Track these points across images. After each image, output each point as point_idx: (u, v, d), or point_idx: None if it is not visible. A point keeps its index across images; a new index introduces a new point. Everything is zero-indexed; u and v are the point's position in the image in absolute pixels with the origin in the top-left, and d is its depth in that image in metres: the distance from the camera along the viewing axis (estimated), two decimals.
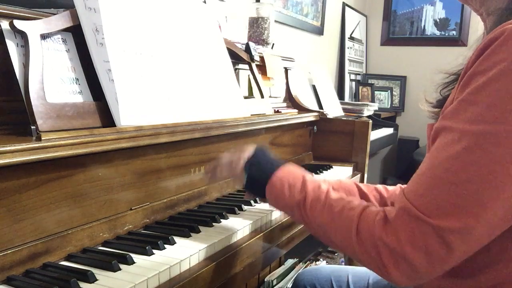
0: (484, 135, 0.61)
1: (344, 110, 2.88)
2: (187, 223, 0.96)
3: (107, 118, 0.91)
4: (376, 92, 3.98)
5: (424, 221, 0.63)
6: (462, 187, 0.61)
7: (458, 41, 3.85)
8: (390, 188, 1.08)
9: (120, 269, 0.73)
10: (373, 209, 0.72)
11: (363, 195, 1.05)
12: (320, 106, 2.55)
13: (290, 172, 0.86)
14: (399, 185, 1.08)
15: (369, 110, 3.01)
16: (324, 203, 0.78)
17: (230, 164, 0.94)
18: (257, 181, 0.88)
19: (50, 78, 0.85)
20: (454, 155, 0.63)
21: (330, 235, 0.75)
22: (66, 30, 0.90)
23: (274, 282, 1.76)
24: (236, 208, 1.08)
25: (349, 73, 3.83)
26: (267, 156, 0.92)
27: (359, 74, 4.09)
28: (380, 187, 1.08)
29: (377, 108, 3.26)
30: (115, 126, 0.90)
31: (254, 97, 1.53)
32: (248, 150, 0.93)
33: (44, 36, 0.85)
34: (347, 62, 3.77)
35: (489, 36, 0.63)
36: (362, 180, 1.82)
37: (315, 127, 1.85)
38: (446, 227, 0.61)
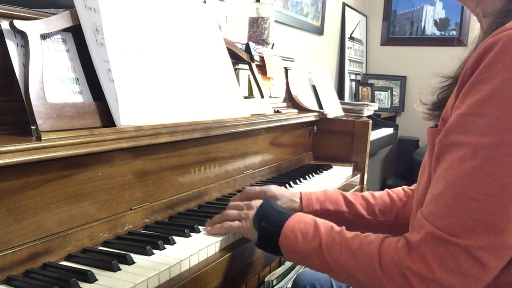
0: (498, 146, 0.60)
1: (344, 110, 2.88)
2: (187, 223, 0.96)
3: (107, 118, 0.91)
4: (376, 92, 3.98)
5: (452, 243, 0.61)
6: (484, 202, 0.60)
7: (458, 41, 3.85)
8: (377, 194, 1.06)
9: (120, 269, 0.73)
10: (393, 239, 0.70)
11: (349, 204, 1.04)
12: (320, 106, 2.55)
13: (301, 220, 0.82)
14: (386, 190, 1.07)
15: (369, 110, 3.01)
16: (340, 243, 0.75)
17: (238, 220, 0.91)
18: (268, 236, 0.84)
19: (50, 78, 0.85)
20: (470, 171, 0.61)
21: (354, 275, 0.72)
22: (66, 30, 0.90)
23: (274, 282, 1.76)
24: None
25: (349, 73, 3.83)
26: (275, 208, 0.88)
27: (359, 74, 4.09)
28: (366, 194, 1.06)
29: (377, 108, 3.26)
30: (115, 126, 0.90)
31: (254, 97, 1.53)
32: (255, 205, 0.90)
33: (44, 36, 0.85)
34: (347, 62, 3.77)
35: (487, 42, 0.63)
36: (362, 180, 1.82)
37: (315, 127, 1.85)
38: (476, 246, 0.60)
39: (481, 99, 0.62)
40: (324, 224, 0.80)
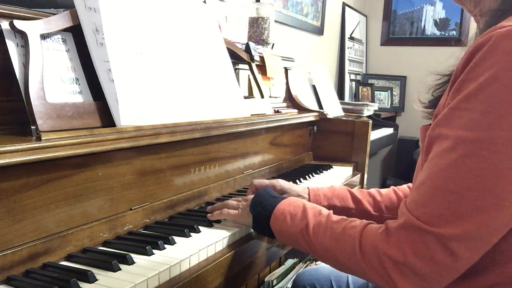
0: (480, 142, 0.61)
1: (344, 110, 2.88)
2: (187, 223, 0.96)
3: (107, 118, 0.91)
4: (376, 92, 3.98)
5: (426, 231, 0.63)
6: (461, 195, 0.62)
7: (458, 41, 3.84)
8: (383, 191, 1.08)
9: (120, 269, 0.73)
10: (374, 225, 0.73)
11: (356, 201, 1.06)
12: (320, 106, 2.55)
13: (291, 203, 0.87)
14: (392, 187, 1.09)
15: (369, 110, 3.01)
16: (325, 226, 0.78)
17: (236, 208, 0.96)
18: (262, 219, 0.89)
19: (50, 78, 0.85)
20: (451, 164, 0.63)
21: (336, 257, 0.75)
22: (66, 30, 0.90)
23: (274, 282, 1.76)
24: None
25: (349, 73, 3.83)
26: (269, 193, 0.93)
27: (359, 74, 4.09)
28: (373, 191, 1.08)
29: (377, 108, 3.26)
30: (115, 126, 0.90)
31: (254, 97, 1.53)
32: (251, 197, 0.95)
33: (44, 36, 0.85)
34: (347, 62, 3.77)
35: (478, 41, 0.64)
36: (362, 180, 1.82)
37: (315, 127, 1.85)
38: (447, 235, 0.62)
39: (467, 95, 0.63)
40: (312, 207, 0.84)
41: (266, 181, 1.13)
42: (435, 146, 0.67)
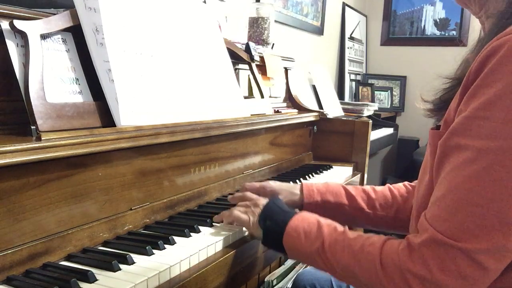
0: (503, 151, 0.59)
1: (344, 110, 2.88)
2: (187, 223, 0.96)
3: (107, 118, 0.91)
4: (376, 92, 3.98)
5: (453, 246, 0.62)
6: (486, 208, 0.60)
7: (458, 41, 3.84)
8: (378, 188, 1.07)
9: (120, 269, 0.73)
10: (394, 241, 0.71)
11: (349, 197, 1.05)
12: (320, 106, 2.55)
13: (304, 219, 0.83)
14: (387, 185, 1.08)
15: (369, 110, 3.01)
16: (343, 244, 0.75)
17: (245, 217, 0.93)
18: (273, 235, 0.85)
19: (50, 78, 0.85)
20: (474, 175, 0.61)
21: (356, 275, 0.73)
22: (66, 30, 0.90)
23: (274, 282, 1.76)
24: None
25: (349, 73, 3.83)
26: (280, 207, 0.89)
27: (359, 74, 4.09)
28: (368, 188, 1.07)
29: (377, 108, 3.26)
30: (115, 126, 0.90)
31: (254, 97, 1.53)
32: (261, 203, 0.91)
33: (44, 36, 0.85)
34: (347, 62, 3.77)
35: (491, 45, 0.62)
36: (362, 180, 1.82)
37: (315, 127, 1.85)
38: (475, 249, 0.60)
39: (486, 103, 0.61)
40: (327, 224, 0.81)
41: (256, 184, 1.10)
42: (453, 157, 0.64)
